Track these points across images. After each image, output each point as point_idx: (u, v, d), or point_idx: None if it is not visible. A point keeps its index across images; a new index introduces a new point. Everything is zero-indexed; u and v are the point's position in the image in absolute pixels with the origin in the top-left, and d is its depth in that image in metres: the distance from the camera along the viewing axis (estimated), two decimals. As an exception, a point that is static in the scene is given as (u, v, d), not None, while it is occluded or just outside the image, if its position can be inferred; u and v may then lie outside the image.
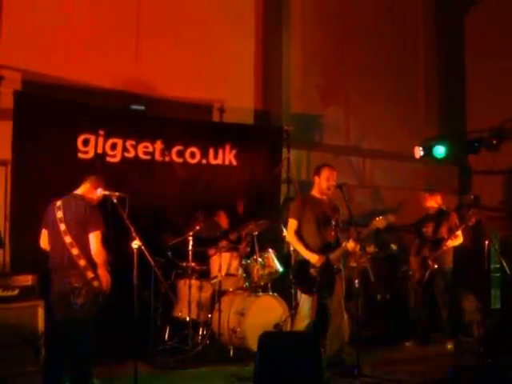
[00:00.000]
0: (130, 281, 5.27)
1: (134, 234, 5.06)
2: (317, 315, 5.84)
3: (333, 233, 6.02)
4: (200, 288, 6.80)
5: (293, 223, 6.01)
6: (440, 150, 8.76)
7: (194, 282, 6.73)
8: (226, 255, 6.83)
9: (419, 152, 8.72)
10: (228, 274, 6.82)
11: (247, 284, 6.90)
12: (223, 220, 7.31)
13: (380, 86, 10.35)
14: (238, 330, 6.47)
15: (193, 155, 7.98)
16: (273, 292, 6.94)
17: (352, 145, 10.27)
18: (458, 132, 10.97)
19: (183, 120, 8.11)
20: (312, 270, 5.84)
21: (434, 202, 7.32)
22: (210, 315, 6.86)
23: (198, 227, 6.62)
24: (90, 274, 5.20)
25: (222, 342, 6.58)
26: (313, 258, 5.82)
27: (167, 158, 7.80)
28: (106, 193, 5.25)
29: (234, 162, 8.28)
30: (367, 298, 7.27)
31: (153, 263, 5.24)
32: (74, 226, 5.22)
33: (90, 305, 5.22)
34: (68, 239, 5.21)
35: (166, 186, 7.67)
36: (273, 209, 8.44)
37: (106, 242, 5.27)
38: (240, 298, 6.72)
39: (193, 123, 8.19)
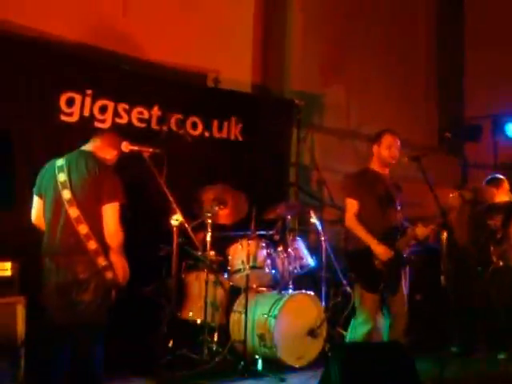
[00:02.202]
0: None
1: (174, 206, 3.70)
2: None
3: (398, 215, 4.85)
4: (215, 284, 5.48)
5: (352, 204, 4.83)
6: None
7: (209, 276, 5.40)
8: (251, 244, 5.52)
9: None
10: (253, 267, 5.50)
11: (274, 280, 5.61)
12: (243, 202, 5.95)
13: (380, 69, 9.46)
14: (268, 336, 5.20)
15: (195, 126, 6.69)
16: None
17: (353, 128, 9.21)
18: (456, 120, 10.18)
19: (183, 84, 6.80)
20: (377, 262, 4.65)
21: (502, 195, 6.24)
22: (227, 318, 5.53)
23: (221, 208, 5.29)
24: (102, 262, 3.83)
25: (246, 352, 5.27)
26: (379, 248, 4.64)
27: (165, 128, 6.44)
28: (135, 148, 3.87)
29: (240, 138, 7.01)
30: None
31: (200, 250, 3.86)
32: (83, 195, 3.86)
33: (100, 304, 3.86)
34: (74, 212, 3.83)
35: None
36: (281, 193, 7.23)
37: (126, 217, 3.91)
38: (268, 297, 5.45)
39: (195, 88, 6.94)
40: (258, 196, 6.18)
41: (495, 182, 6.35)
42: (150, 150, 3.84)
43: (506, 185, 6.29)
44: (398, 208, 4.86)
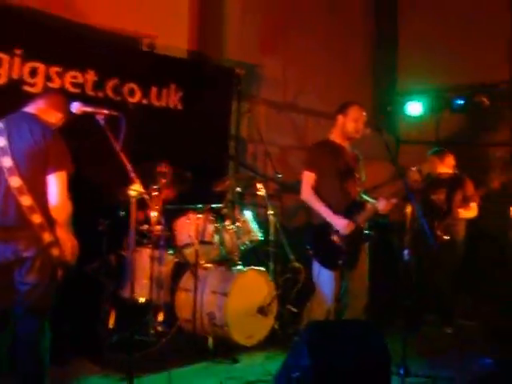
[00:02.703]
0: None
1: (132, 175, 3.34)
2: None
3: (358, 188, 4.68)
4: (160, 260, 5.14)
5: (309, 176, 4.61)
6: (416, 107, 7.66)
7: (154, 252, 5.06)
8: (200, 217, 5.21)
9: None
10: (202, 242, 5.20)
11: (223, 255, 5.33)
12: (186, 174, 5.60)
13: (318, 42, 9.28)
14: (218, 314, 4.94)
15: (132, 93, 6.26)
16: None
17: (290, 101, 9.00)
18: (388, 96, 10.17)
19: (119, 47, 6.34)
20: (335, 237, 4.47)
21: (445, 167, 6.16)
22: (172, 296, 5.22)
23: (164, 180, 4.94)
24: (48, 237, 3.44)
25: (195, 332, 4.98)
26: (340, 222, 4.45)
27: (101, 94, 5.99)
28: (88, 109, 3.46)
29: (180, 106, 6.64)
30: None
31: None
32: (26, 162, 3.44)
33: (47, 285, 3.48)
34: (16, 181, 3.42)
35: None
36: (221, 167, 6.94)
37: (75, 187, 3.52)
38: (217, 274, 5.18)
39: (131, 52, 6.48)
40: (199, 169, 5.87)
41: (438, 154, 6.29)
42: (105, 111, 3.44)
43: (450, 159, 6.24)
44: (358, 181, 4.67)
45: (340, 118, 4.67)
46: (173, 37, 7.49)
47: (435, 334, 5.93)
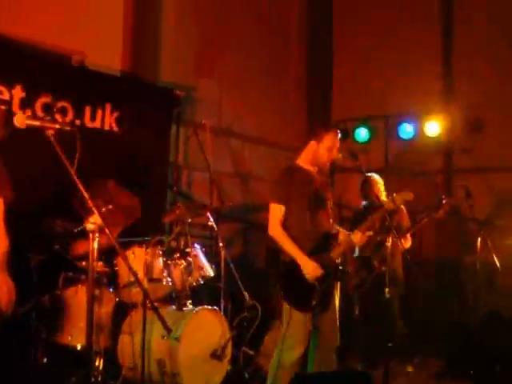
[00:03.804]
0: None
1: (91, 205, 2.76)
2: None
3: (330, 218, 4.26)
4: (99, 300, 4.52)
5: (277, 210, 4.12)
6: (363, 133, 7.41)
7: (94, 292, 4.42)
8: (147, 252, 4.63)
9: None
10: (150, 279, 4.62)
11: (171, 293, 4.77)
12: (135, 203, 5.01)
13: (253, 67, 8.98)
14: (169, 361, 4.36)
15: (64, 112, 5.66)
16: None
17: (226, 125, 8.59)
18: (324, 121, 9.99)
19: (49, 62, 5.76)
20: (308, 276, 4.02)
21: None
22: (113, 340, 4.60)
23: (109, 209, 4.34)
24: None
25: (142, 382, 4.36)
26: (308, 266, 4.01)
27: (29, 112, 5.36)
28: (35, 123, 2.86)
29: (116, 129, 6.07)
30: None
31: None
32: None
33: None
34: None
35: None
36: (161, 197, 6.41)
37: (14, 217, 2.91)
38: (166, 315, 4.57)
39: (62, 67, 5.91)
40: (141, 197, 5.30)
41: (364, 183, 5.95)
42: (57, 125, 2.86)
43: (375, 183, 5.85)
44: (329, 209, 4.26)
45: (313, 144, 4.23)
46: (105, 56, 6.95)
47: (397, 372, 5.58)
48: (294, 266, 4.02)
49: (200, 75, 8.11)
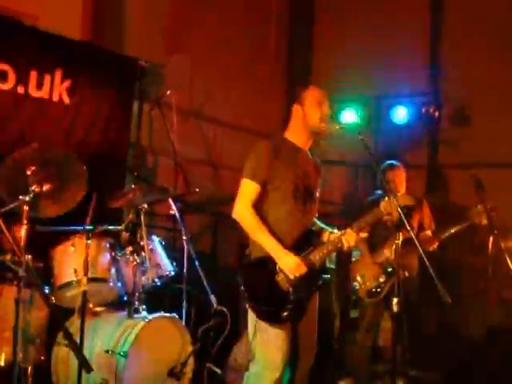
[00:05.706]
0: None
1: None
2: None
3: (316, 212, 3.43)
4: (29, 304, 3.65)
5: (250, 187, 3.24)
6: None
7: (23, 293, 3.54)
8: (90, 244, 3.73)
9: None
10: (93, 279, 3.73)
11: (120, 296, 3.91)
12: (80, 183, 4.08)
13: (229, 44, 8.27)
14: (114, 382, 3.50)
15: (4, 76, 4.79)
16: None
17: (196, 107, 7.80)
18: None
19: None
20: (280, 278, 3.17)
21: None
22: (47, 354, 3.74)
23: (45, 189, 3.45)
24: None
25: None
26: (287, 260, 3.16)
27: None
28: None
29: (67, 100, 5.21)
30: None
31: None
32: None
33: None
34: None
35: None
36: (119, 176, 5.57)
37: None
38: (112, 323, 3.73)
39: (8, 22, 4.99)
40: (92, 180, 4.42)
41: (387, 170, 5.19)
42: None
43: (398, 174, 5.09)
44: (316, 200, 3.42)
45: (297, 108, 3.37)
46: (62, 23, 6.11)
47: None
48: (262, 265, 3.18)
49: (169, 51, 7.31)
